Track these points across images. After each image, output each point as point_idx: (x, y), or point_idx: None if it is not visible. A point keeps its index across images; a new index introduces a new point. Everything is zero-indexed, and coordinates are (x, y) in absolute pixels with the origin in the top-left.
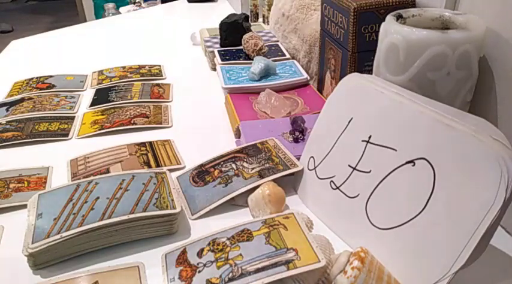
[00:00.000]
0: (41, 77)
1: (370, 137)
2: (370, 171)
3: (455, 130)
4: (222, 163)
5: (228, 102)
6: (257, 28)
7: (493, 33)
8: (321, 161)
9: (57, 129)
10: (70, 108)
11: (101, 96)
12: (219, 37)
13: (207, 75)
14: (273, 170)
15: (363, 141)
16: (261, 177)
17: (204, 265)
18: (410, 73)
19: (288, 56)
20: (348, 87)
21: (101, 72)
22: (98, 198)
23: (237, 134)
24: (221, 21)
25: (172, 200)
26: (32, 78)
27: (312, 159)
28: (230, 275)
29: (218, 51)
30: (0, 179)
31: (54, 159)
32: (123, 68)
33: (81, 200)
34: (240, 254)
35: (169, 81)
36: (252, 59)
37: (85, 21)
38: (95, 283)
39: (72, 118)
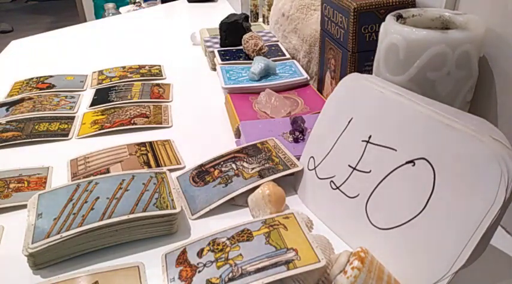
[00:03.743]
0: (41, 77)
1: (370, 137)
2: (370, 171)
3: (455, 130)
4: (222, 163)
5: (228, 102)
6: (257, 28)
7: (493, 33)
8: (321, 161)
9: (57, 129)
10: (70, 108)
11: (101, 96)
12: (219, 37)
13: (207, 75)
14: (273, 170)
15: (363, 141)
16: (261, 177)
17: (204, 265)
18: (410, 74)
19: (288, 56)
20: (348, 87)
21: (101, 72)
22: (98, 198)
23: (237, 134)
24: (221, 21)
25: (172, 200)
26: (32, 78)
27: (312, 159)
28: (230, 275)
29: (218, 51)
30: (0, 179)
31: (54, 159)
32: (123, 68)
33: (81, 200)
34: (240, 254)
35: (169, 81)
36: (252, 59)
37: (85, 21)
38: (95, 283)
39: (72, 118)
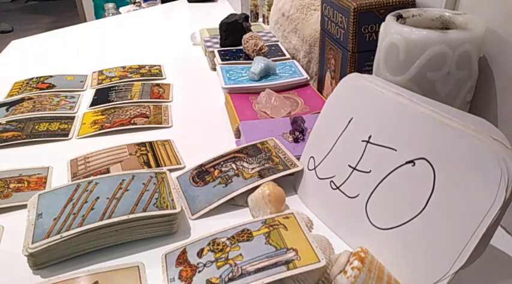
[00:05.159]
0: (41, 77)
1: (370, 137)
2: (370, 171)
3: (455, 130)
4: (222, 163)
5: (228, 102)
6: (257, 28)
7: (493, 33)
8: (321, 161)
9: (57, 129)
10: (70, 108)
11: (101, 96)
12: (219, 37)
13: (207, 75)
14: (273, 170)
15: (363, 141)
16: (261, 177)
17: (204, 265)
18: (410, 73)
19: (288, 56)
20: (348, 87)
21: (101, 72)
22: (98, 198)
23: (237, 134)
24: (221, 21)
25: (172, 200)
26: (32, 78)
27: (312, 159)
28: (230, 275)
29: (218, 51)
30: (0, 179)
31: (54, 159)
32: (123, 68)
33: (81, 200)
34: (240, 254)
35: (169, 81)
36: (252, 59)
37: (85, 21)
38: (95, 283)
39: (72, 118)
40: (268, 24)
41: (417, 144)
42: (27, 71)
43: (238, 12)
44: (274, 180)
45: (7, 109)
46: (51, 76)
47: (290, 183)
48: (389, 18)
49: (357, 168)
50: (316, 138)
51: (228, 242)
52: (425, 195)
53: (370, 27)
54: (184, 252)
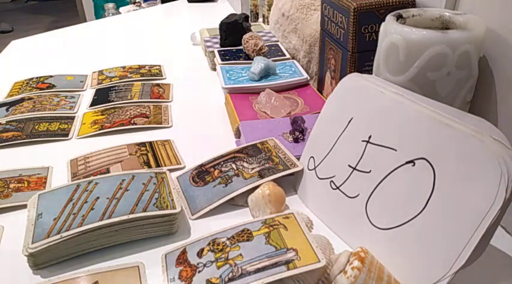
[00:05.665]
0: (41, 77)
1: (370, 137)
2: (370, 171)
3: (455, 130)
4: (222, 163)
5: (228, 102)
6: (257, 28)
7: (493, 33)
8: (321, 161)
9: (57, 129)
10: (70, 108)
11: (101, 96)
12: (219, 37)
13: (207, 75)
14: (273, 170)
15: (363, 141)
16: (261, 177)
17: (204, 265)
18: (410, 74)
19: (288, 56)
20: (348, 87)
21: (101, 72)
22: (98, 198)
23: (237, 134)
24: (221, 21)
25: (172, 200)
26: (32, 78)
27: (312, 159)
28: (230, 275)
29: (218, 51)
30: (0, 179)
31: (54, 159)
32: (123, 68)
33: (81, 200)
34: (240, 254)
35: (169, 81)
36: (252, 59)
37: (85, 21)
38: (95, 283)
39: (72, 118)
40: (268, 24)
41: (417, 144)
42: (27, 70)
43: (238, 12)
44: (274, 180)
45: (7, 109)
46: (51, 76)
47: (290, 183)
48: (389, 18)
49: (357, 168)
50: (316, 138)
51: (228, 242)
52: (425, 195)
53: (370, 27)
54: (184, 252)
